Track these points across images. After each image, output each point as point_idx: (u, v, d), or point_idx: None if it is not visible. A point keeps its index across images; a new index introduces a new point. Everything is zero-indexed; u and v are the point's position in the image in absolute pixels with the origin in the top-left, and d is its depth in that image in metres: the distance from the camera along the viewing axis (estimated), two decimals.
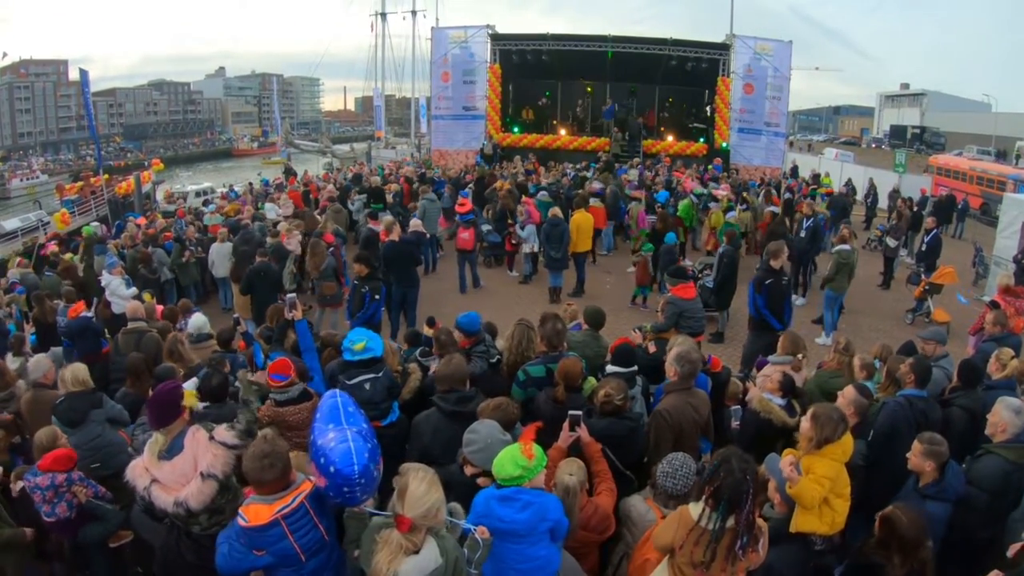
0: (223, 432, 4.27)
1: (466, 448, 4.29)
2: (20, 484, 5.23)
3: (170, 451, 4.27)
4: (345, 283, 12.61)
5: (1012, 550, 4.30)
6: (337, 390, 3.98)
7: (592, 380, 5.91)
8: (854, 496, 4.67)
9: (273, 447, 3.70)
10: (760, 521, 3.67)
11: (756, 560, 3.67)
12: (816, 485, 4.32)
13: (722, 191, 19.67)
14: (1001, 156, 46.33)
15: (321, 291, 12.36)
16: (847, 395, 5.65)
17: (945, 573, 4.68)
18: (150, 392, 5.92)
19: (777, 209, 18.36)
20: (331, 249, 12.83)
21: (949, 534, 4.98)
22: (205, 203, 25.83)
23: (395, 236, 12.25)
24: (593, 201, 17.45)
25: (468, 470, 4.32)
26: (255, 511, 3.58)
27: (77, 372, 6.22)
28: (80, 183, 34.55)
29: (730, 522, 3.43)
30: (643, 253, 14.46)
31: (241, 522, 3.57)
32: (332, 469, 3.42)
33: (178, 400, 4.56)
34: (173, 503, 4.05)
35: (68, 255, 15.83)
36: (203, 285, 15.86)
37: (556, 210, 15.50)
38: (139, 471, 4.23)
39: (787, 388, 6.04)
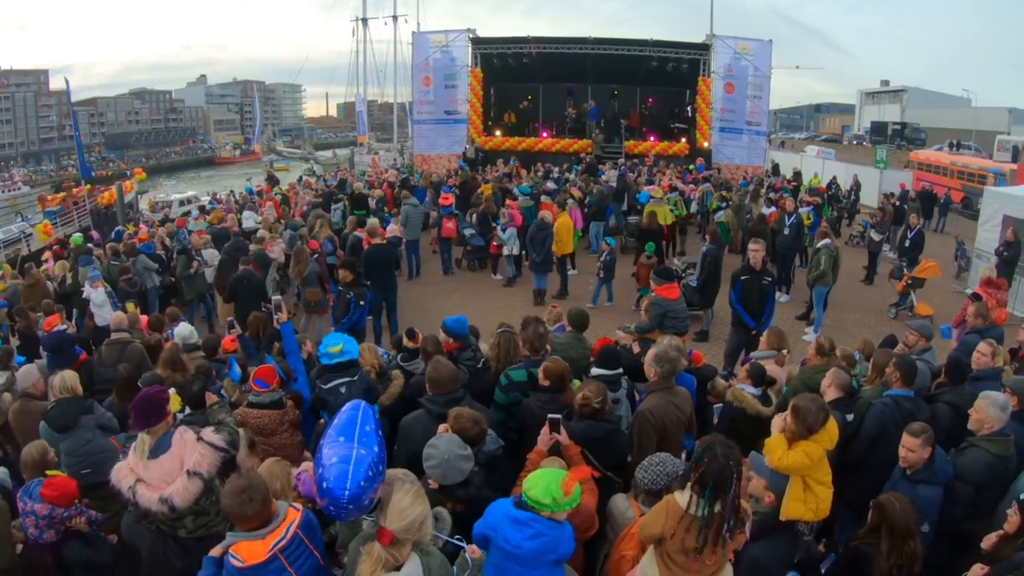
0: (210, 434, 4.33)
1: (425, 463, 4.25)
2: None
3: (155, 451, 4.27)
4: (331, 289, 12.56)
5: (987, 542, 4.33)
6: (363, 403, 3.81)
7: (577, 382, 5.90)
8: (840, 489, 4.71)
9: (249, 481, 3.54)
10: (744, 503, 3.72)
11: (742, 540, 3.74)
12: (804, 455, 4.41)
13: (657, 188, 19.58)
14: (955, 147, 46.96)
15: (306, 298, 12.31)
16: (829, 374, 5.79)
17: (934, 564, 4.71)
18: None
19: (767, 210, 18.30)
20: (315, 256, 12.77)
21: (938, 523, 5.03)
22: (202, 208, 25.84)
23: (378, 240, 12.21)
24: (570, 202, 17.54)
25: (431, 484, 4.28)
26: (248, 549, 3.38)
27: (67, 379, 6.17)
28: (62, 194, 34.45)
29: (717, 507, 3.46)
30: (648, 254, 14.36)
31: (236, 563, 3.36)
32: (325, 484, 3.31)
33: (164, 402, 4.52)
34: (158, 500, 4.05)
35: (60, 263, 15.73)
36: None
37: (545, 213, 15.46)
38: (124, 472, 4.25)
39: (756, 377, 6.08)
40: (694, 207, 21.38)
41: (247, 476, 3.62)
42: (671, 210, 18.10)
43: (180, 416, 5.44)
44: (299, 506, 3.72)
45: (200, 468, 4.12)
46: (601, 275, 14.78)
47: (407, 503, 3.28)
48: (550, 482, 3.67)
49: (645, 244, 14.72)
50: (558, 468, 4.25)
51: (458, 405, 5.05)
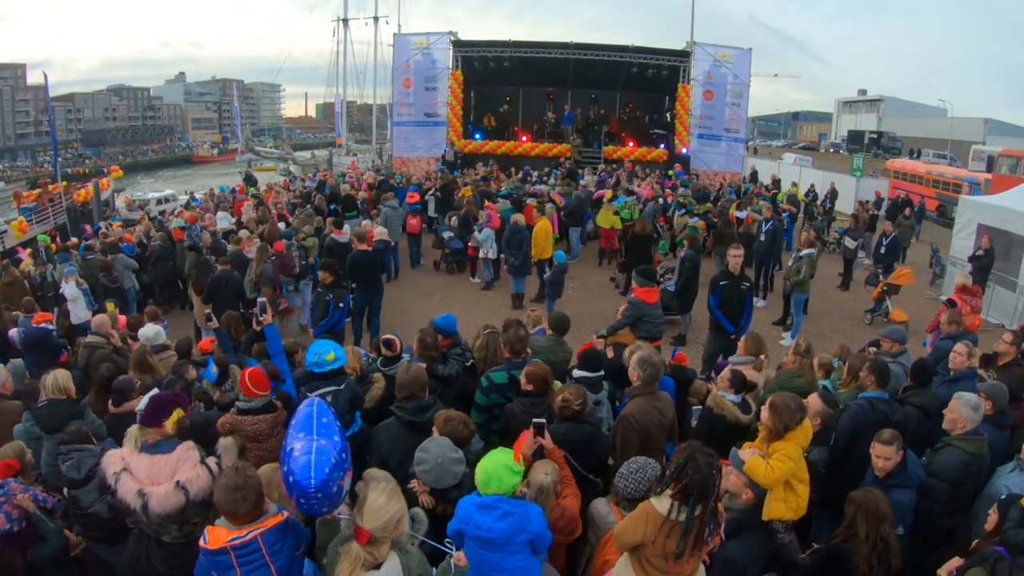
0: (213, 462, 4.32)
1: (417, 467, 4.26)
2: None
3: (155, 448, 4.26)
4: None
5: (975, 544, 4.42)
6: (315, 398, 3.88)
7: (559, 384, 5.91)
8: (819, 496, 4.76)
9: (245, 479, 3.56)
10: (719, 506, 3.75)
11: (718, 541, 3.79)
12: (786, 458, 4.47)
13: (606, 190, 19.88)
14: (915, 154, 47.97)
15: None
16: (812, 405, 5.72)
17: (912, 560, 4.78)
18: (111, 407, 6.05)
19: (741, 214, 18.44)
20: (273, 258, 12.59)
21: (914, 522, 5.12)
22: (186, 206, 25.77)
23: (365, 246, 12.14)
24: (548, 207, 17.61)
25: (418, 487, 4.29)
26: (215, 534, 3.48)
27: (59, 379, 6.08)
28: (38, 190, 33.82)
29: (698, 511, 3.48)
30: (663, 252, 14.42)
31: (202, 543, 3.48)
32: (291, 479, 3.37)
33: (168, 412, 4.42)
34: (136, 492, 4.02)
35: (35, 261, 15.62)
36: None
37: (518, 216, 15.48)
38: (114, 457, 4.24)
39: (737, 384, 6.11)
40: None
41: (243, 474, 3.62)
42: (616, 214, 18.33)
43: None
44: (286, 515, 3.70)
45: (190, 485, 4.07)
46: (546, 291, 14.45)
47: (383, 502, 3.28)
48: (504, 465, 3.78)
49: (631, 249, 14.89)
50: (544, 464, 4.37)
51: (427, 413, 5.06)
